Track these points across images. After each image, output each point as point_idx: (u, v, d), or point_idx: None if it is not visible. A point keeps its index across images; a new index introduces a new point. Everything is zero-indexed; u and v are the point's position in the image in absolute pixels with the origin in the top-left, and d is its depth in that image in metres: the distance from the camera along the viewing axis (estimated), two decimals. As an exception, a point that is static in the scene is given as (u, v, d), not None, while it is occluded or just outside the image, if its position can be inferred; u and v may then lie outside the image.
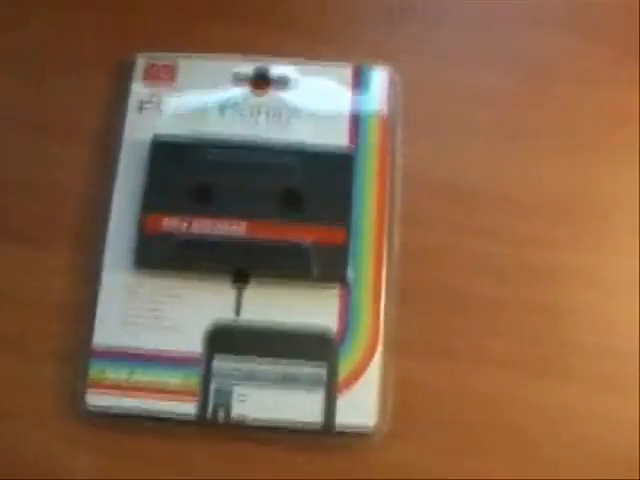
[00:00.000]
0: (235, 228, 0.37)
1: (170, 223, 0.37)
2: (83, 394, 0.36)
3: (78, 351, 0.36)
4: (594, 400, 0.36)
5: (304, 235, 0.36)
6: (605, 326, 0.37)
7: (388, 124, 0.39)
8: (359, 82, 0.40)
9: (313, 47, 0.40)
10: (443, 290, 0.37)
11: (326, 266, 0.36)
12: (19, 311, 0.37)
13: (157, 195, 0.37)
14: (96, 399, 0.36)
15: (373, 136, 0.39)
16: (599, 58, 0.41)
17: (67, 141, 0.40)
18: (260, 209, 0.37)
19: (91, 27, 0.42)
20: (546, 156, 0.39)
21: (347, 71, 0.40)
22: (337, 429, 0.35)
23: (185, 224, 0.37)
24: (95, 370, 0.36)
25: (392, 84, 0.40)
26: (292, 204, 0.37)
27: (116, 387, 0.36)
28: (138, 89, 0.40)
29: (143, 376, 0.36)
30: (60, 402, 0.36)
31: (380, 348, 0.36)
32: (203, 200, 0.37)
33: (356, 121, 0.39)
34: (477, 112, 0.40)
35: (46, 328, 0.37)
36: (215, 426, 0.35)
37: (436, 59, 0.41)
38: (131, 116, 0.39)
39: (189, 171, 0.37)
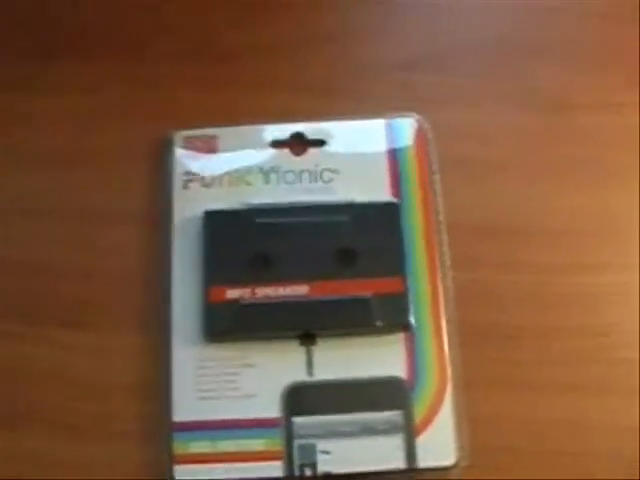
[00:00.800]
0: (297, 290, 0.38)
1: (233, 293, 0.38)
2: (171, 470, 0.37)
3: (160, 429, 0.37)
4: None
5: (363, 289, 0.38)
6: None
7: (426, 173, 0.41)
8: (392, 134, 0.41)
9: (338, 106, 0.42)
10: (499, 325, 0.39)
11: (389, 316, 0.38)
12: (96, 395, 0.38)
13: (217, 267, 0.38)
14: (184, 473, 0.36)
15: (414, 186, 0.40)
16: (615, 85, 0.43)
17: (117, 226, 0.41)
18: (318, 269, 0.38)
19: (111, 112, 0.43)
20: (579, 186, 0.41)
21: (379, 125, 0.41)
22: (420, 470, 0.37)
23: (248, 291, 0.38)
24: (179, 444, 0.37)
25: (422, 132, 0.41)
26: (347, 261, 0.38)
27: (202, 458, 0.37)
28: (180, 165, 0.41)
29: (227, 444, 0.37)
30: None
31: (450, 388, 0.37)
32: (262, 267, 0.38)
33: (395, 173, 0.41)
34: (505, 150, 0.42)
35: (125, 409, 0.38)
36: (303, 484, 0.37)
37: (453, 103, 0.43)
38: (177, 193, 0.40)
39: (245, 240, 0.39)
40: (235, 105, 0.42)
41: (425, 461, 0.37)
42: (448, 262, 0.39)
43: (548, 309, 0.39)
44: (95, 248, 0.40)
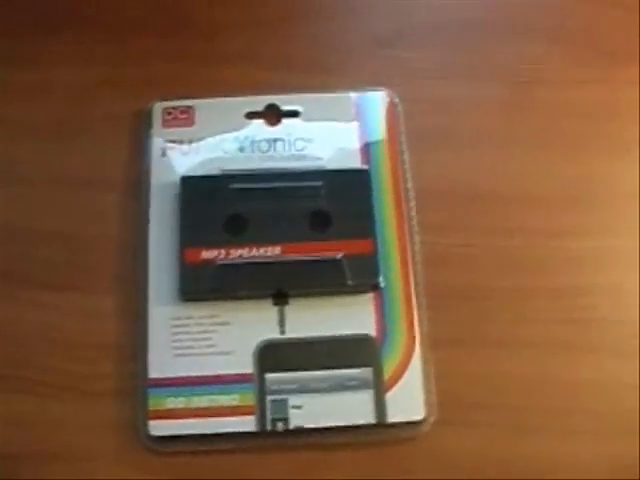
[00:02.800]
0: (270, 251, 0.39)
1: (208, 254, 0.39)
2: (146, 425, 0.38)
3: (136, 386, 0.38)
4: (620, 369, 0.39)
5: (335, 250, 0.39)
6: (620, 302, 0.41)
7: (395, 143, 0.42)
8: (363, 107, 0.43)
9: (313, 80, 0.44)
10: (468, 287, 0.40)
11: (359, 276, 0.39)
12: (75, 354, 0.39)
13: (193, 230, 0.40)
14: (159, 428, 0.37)
15: (383, 156, 0.42)
16: (579, 62, 0.45)
17: (98, 192, 0.42)
18: (291, 232, 0.39)
19: (100, 85, 0.44)
20: (542, 155, 0.43)
21: (350, 98, 0.43)
22: (390, 425, 0.38)
23: (223, 253, 0.39)
24: (154, 400, 0.38)
25: (392, 105, 0.43)
26: (320, 224, 0.40)
27: (177, 414, 0.38)
28: (159, 135, 0.42)
29: (201, 400, 0.38)
30: (124, 435, 0.38)
31: (418, 346, 0.39)
32: (237, 229, 0.40)
33: (365, 143, 0.42)
34: (471, 122, 0.44)
35: (102, 368, 0.39)
36: (274, 437, 0.38)
37: (427, 78, 0.44)
38: (156, 161, 0.42)
39: (220, 204, 0.40)
40: (213, 78, 0.44)
41: (394, 416, 0.38)
42: (416, 227, 0.41)
43: (517, 271, 0.41)
44: (77, 214, 0.42)
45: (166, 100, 0.43)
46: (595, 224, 0.42)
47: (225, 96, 0.43)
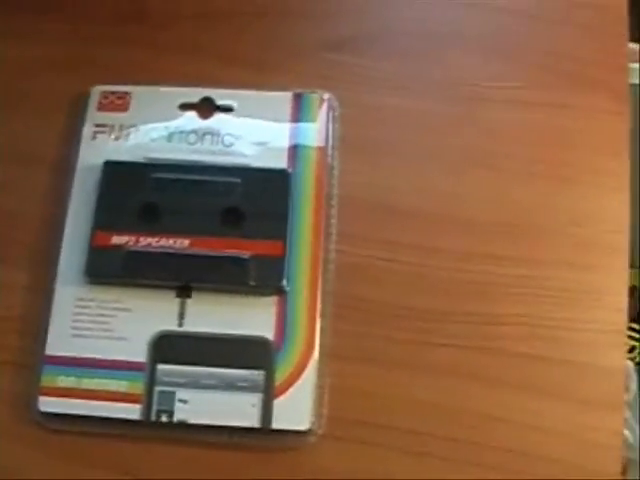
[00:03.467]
0: (179, 243, 0.39)
1: (118, 240, 0.39)
2: (36, 400, 0.38)
3: (32, 361, 0.38)
4: (523, 405, 0.38)
5: (244, 249, 0.39)
6: (534, 335, 0.39)
7: (325, 148, 0.42)
8: (299, 109, 0.42)
9: (255, 78, 0.43)
10: (378, 303, 0.40)
11: (263, 277, 0.39)
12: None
13: (107, 213, 0.40)
14: (48, 404, 0.38)
15: (310, 159, 0.41)
16: (527, 82, 0.43)
17: (25, 168, 0.42)
18: (202, 226, 0.39)
19: (48, 63, 0.45)
20: (474, 176, 0.41)
21: (287, 98, 0.42)
22: (274, 431, 0.37)
23: (132, 240, 0.39)
24: (47, 377, 0.38)
25: (330, 110, 0.42)
26: (233, 220, 0.39)
27: (67, 393, 0.38)
28: (92, 118, 0.43)
29: (91, 382, 0.38)
30: (15, 408, 0.38)
31: (315, 355, 0.38)
32: (150, 218, 0.40)
33: (294, 145, 0.42)
34: (410, 136, 0.42)
35: (4, 339, 0.39)
36: (159, 429, 0.37)
37: (372, 86, 0.43)
38: (85, 143, 0.42)
39: (137, 191, 0.40)
40: (154, 67, 0.44)
41: (279, 423, 0.37)
42: (334, 235, 0.40)
43: (430, 292, 0.40)
44: (2, 187, 0.42)
45: (105, 84, 0.43)
46: (521, 253, 0.40)
47: (163, 85, 0.43)
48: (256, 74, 0.43)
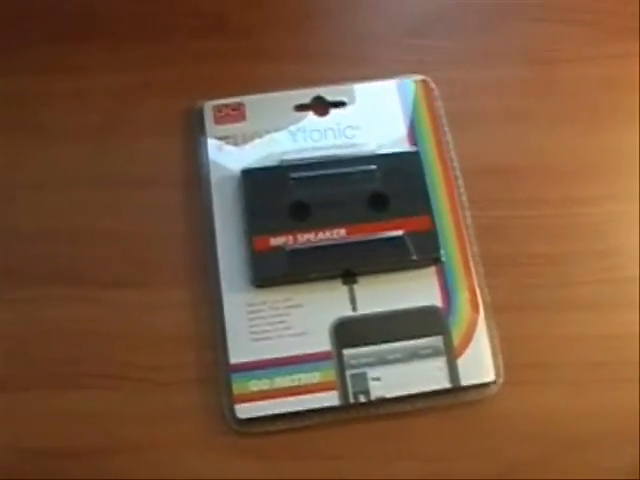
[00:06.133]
0: (336, 234, 0.41)
1: (277, 241, 0.41)
2: (232, 409, 0.39)
3: (218, 373, 0.40)
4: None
5: (395, 228, 0.41)
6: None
7: (437, 125, 0.45)
8: (403, 93, 0.45)
9: (355, 71, 0.46)
10: (517, 255, 0.43)
11: (422, 251, 0.41)
12: (157, 347, 0.40)
13: (259, 219, 0.41)
14: (245, 410, 0.39)
15: (428, 138, 0.44)
16: (592, 39, 0.48)
17: (159, 191, 0.43)
18: (353, 214, 0.41)
19: (144, 88, 0.46)
20: (572, 129, 0.46)
21: (391, 85, 0.45)
22: (463, 388, 0.40)
23: (291, 239, 0.41)
24: (238, 385, 0.39)
25: (429, 90, 0.45)
26: (379, 205, 0.42)
27: (261, 396, 0.39)
28: (212, 131, 0.44)
29: (284, 380, 0.39)
30: (211, 422, 0.39)
31: (482, 312, 0.41)
32: (301, 216, 0.41)
33: (410, 127, 0.44)
34: (502, 102, 0.46)
35: (180, 358, 0.40)
36: (357, 410, 0.39)
37: (456, 64, 0.47)
38: (213, 156, 0.43)
39: (281, 193, 0.42)
40: (253, 75, 0.46)
41: (467, 379, 0.40)
42: (466, 203, 0.43)
43: (556, 238, 0.43)
44: (139, 213, 0.43)
45: (212, 99, 0.44)
46: (614, 190, 0.45)
47: (269, 92, 0.44)
48: (355, 67, 0.46)
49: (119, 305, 0.41)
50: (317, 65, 0.46)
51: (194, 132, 0.44)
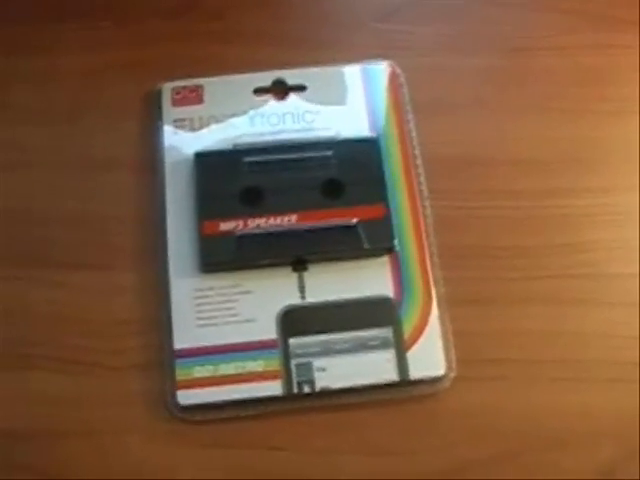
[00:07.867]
0: (287, 220, 0.40)
1: (227, 226, 0.40)
2: (174, 395, 0.38)
3: (162, 358, 0.39)
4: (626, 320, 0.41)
5: (349, 216, 0.40)
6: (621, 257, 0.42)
7: (400, 112, 0.44)
8: (367, 79, 0.44)
9: (318, 55, 0.45)
10: (476, 248, 0.42)
11: (374, 240, 0.40)
12: (99, 331, 0.40)
13: (209, 203, 0.41)
14: (188, 397, 0.38)
15: (390, 125, 0.43)
16: (568, 28, 0.47)
17: (109, 173, 0.43)
18: (306, 200, 0.41)
19: (109, 69, 0.45)
20: (540, 119, 0.44)
21: (355, 70, 0.44)
22: (412, 382, 0.39)
23: (241, 224, 0.40)
24: (182, 371, 0.39)
25: (394, 76, 0.44)
26: (333, 191, 0.41)
27: (204, 382, 0.38)
28: (169, 114, 0.43)
29: (228, 367, 0.39)
30: (153, 408, 0.39)
31: (435, 305, 0.40)
32: (253, 201, 0.41)
33: (372, 113, 0.43)
34: (473, 91, 0.45)
35: (127, 342, 0.40)
36: (301, 400, 0.39)
37: (426, 50, 0.46)
38: (168, 139, 0.43)
39: (234, 177, 0.41)
40: (218, 57, 0.45)
41: (416, 372, 0.39)
42: (426, 192, 0.42)
43: (520, 231, 0.42)
44: (93, 194, 0.42)
45: (174, 80, 0.44)
46: (595, 183, 0.43)
47: (231, 74, 0.44)
48: (318, 51, 0.45)
49: (71, 287, 0.41)
50: (282, 48, 0.45)
51: (152, 114, 0.43)
